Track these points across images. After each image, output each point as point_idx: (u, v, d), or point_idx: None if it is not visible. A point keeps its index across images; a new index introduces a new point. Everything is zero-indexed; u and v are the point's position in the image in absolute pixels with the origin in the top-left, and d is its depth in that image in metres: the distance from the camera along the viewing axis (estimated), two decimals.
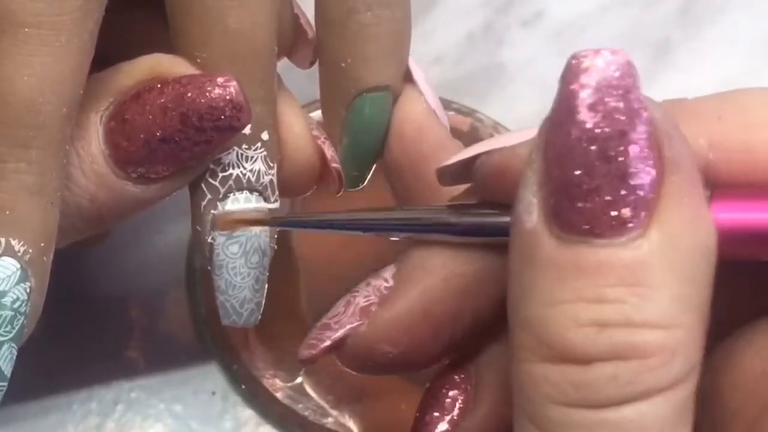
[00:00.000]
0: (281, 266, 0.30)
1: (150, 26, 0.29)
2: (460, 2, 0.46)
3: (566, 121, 0.21)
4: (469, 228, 0.26)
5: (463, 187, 0.28)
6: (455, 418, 0.27)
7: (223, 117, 0.26)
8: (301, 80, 0.31)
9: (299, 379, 0.38)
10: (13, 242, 0.25)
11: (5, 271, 0.25)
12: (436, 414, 0.27)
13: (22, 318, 0.25)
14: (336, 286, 0.29)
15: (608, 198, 0.21)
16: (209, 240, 0.29)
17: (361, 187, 0.32)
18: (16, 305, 0.25)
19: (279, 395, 0.38)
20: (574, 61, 0.22)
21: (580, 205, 0.21)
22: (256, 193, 0.28)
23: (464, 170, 0.26)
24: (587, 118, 0.21)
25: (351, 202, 0.31)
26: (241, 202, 0.28)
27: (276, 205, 0.29)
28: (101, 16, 0.26)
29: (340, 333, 0.27)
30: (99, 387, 0.38)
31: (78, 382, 0.38)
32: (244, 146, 0.28)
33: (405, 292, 0.27)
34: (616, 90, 0.21)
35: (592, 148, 0.21)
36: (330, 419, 0.37)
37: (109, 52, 0.27)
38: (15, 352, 0.25)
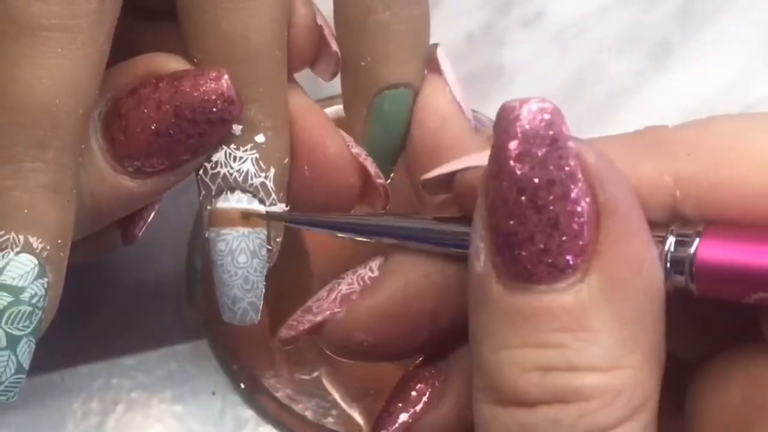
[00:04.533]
0: (293, 258, 0.30)
1: (166, 38, 0.30)
2: (460, 2, 0.46)
3: (498, 172, 0.22)
4: (446, 241, 0.26)
5: None
6: (418, 411, 0.27)
7: (214, 110, 0.27)
8: (303, 79, 0.31)
9: (316, 373, 0.38)
10: (31, 239, 0.25)
11: (24, 268, 0.25)
12: (400, 405, 0.27)
13: (40, 312, 0.26)
14: None
15: (543, 246, 0.22)
16: (206, 235, 0.29)
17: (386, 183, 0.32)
18: (34, 300, 0.25)
19: (279, 395, 0.38)
20: (502, 112, 0.22)
21: (516, 253, 0.22)
22: (249, 194, 0.28)
23: (446, 183, 0.27)
24: (516, 169, 0.22)
25: None
26: (231, 201, 0.29)
27: (275, 209, 0.29)
28: (116, 19, 0.26)
29: (318, 318, 0.28)
30: (99, 386, 0.38)
31: (78, 381, 0.38)
32: (232, 146, 0.28)
33: (386, 284, 0.27)
34: (543, 139, 0.21)
35: (523, 198, 0.22)
36: (330, 419, 0.37)
37: (123, 58, 0.28)
38: (33, 346, 0.26)
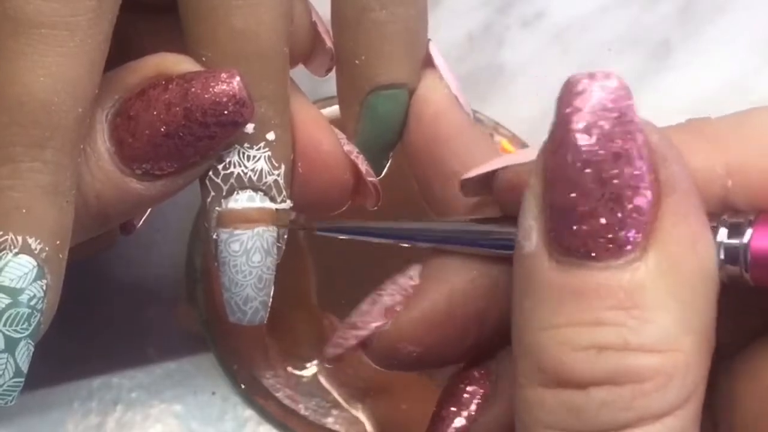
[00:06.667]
0: (292, 259, 0.30)
1: (165, 32, 0.29)
2: (460, 2, 0.46)
3: (562, 144, 0.22)
4: (489, 242, 0.26)
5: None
6: (472, 413, 0.27)
7: (226, 112, 0.27)
8: (301, 79, 0.31)
9: (313, 369, 0.38)
10: (30, 240, 0.25)
11: (22, 269, 0.25)
12: (453, 409, 0.27)
13: (39, 315, 0.25)
14: (346, 279, 0.29)
15: (604, 221, 0.21)
16: (214, 236, 0.29)
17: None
18: (32, 302, 0.25)
19: (279, 395, 0.38)
20: (568, 86, 0.22)
21: (575, 227, 0.21)
22: (261, 193, 0.28)
23: (485, 183, 0.26)
24: (582, 142, 0.21)
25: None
26: (244, 201, 0.28)
27: (285, 206, 0.29)
28: (115, 17, 0.26)
29: (364, 332, 0.28)
30: (99, 386, 0.38)
31: (79, 380, 0.38)
32: (246, 145, 0.28)
33: (430, 293, 0.27)
34: (610, 113, 0.21)
35: (587, 171, 0.21)
36: (330, 419, 0.37)
37: (123, 57, 0.28)
38: (32, 349, 0.26)
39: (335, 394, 0.38)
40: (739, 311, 0.24)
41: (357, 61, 0.30)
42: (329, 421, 0.37)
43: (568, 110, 0.21)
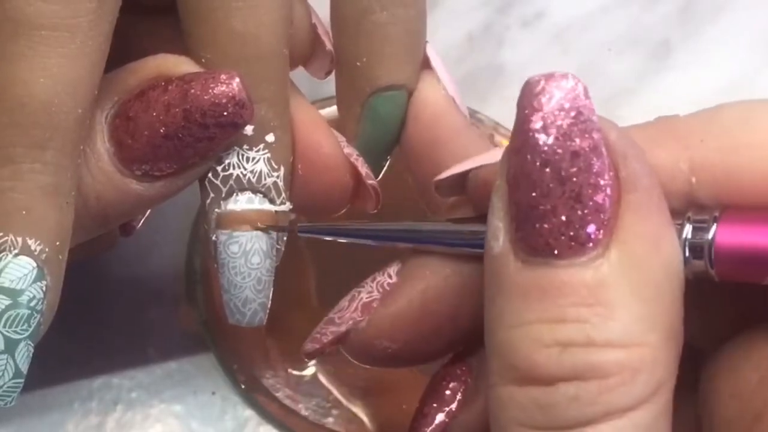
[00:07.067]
0: (292, 261, 0.30)
1: (165, 34, 0.29)
2: (460, 2, 0.46)
3: (522, 145, 0.22)
4: (462, 241, 0.26)
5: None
6: (453, 410, 0.27)
7: (225, 113, 0.27)
8: (300, 80, 0.31)
9: (312, 369, 0.38)
10: (30, 241, 0.25)
11: (22, 270, 0.25)
12: (435, 405, 0.27)
13: (38, 316, 0.25)
14: (346, 280, 0.29)
15: (564, 218, 0.22)
16: (213, 238, 0.29)
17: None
18: (32, 303, 0.25)
19: (279, 395, 0.38)
20: (527, 87, 0.22)
21: (538, 226, 0.22)
22: (260, 195, 0.28)
23: (459, 184, 0.27)
24: (540, 141, 0.22)
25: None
26: (243, 203, 0.28)
27: (284, 208, 0.29)
28: (115, 19, 0.26)
29: (342, 328, 0.28)
30: (99, 386, 0.38)
31: (79, 380, 0.38)
32: (245, 147, 0.28)
33: (406, 290, 0.27)
34: (567, 112, 0.22)
35: (547, 170, 0.22)
36: (330, 419, 0.37)
37: (123, 57, 0.28)
38: (32, 350, 0.26)
39: (336, 393, 0.38)
40: (714, 308, 0.24)
41: (358, 63, 0.30)
42: (329, 422, 0.37)
43: (526, 111, 0.22)
